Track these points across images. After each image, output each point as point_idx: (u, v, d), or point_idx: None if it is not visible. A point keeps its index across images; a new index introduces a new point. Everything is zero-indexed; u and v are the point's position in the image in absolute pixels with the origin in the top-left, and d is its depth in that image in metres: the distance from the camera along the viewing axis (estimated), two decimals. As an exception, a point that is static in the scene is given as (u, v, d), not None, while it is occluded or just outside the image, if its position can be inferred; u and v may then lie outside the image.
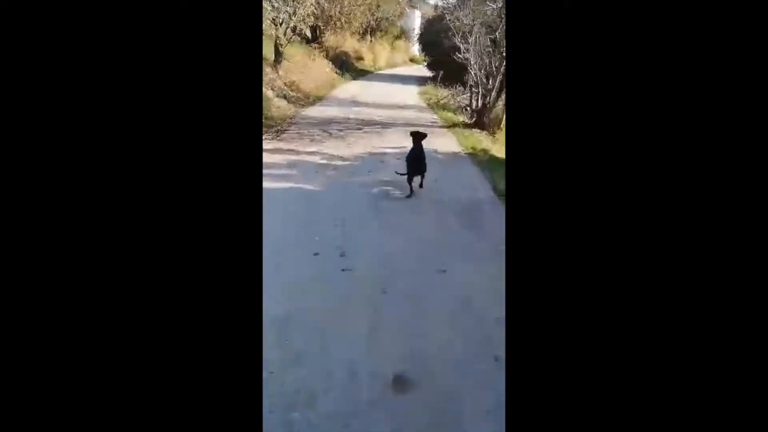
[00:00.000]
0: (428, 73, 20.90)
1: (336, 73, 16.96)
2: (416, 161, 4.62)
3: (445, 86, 14.71)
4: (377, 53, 24.36)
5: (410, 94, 14.90)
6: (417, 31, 35.16)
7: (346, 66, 18.63)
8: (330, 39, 17.93)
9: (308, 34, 18.32)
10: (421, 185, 4.79)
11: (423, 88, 16.22)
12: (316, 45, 17.00)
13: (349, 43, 21.03)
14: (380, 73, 21.70)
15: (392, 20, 28.10)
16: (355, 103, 11.50)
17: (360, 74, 19.21)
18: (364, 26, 21.20)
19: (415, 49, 35.18)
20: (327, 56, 17.69)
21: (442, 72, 16.10)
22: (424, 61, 21.03)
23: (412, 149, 4.67)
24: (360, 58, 21.96)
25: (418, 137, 4.68)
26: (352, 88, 14.92)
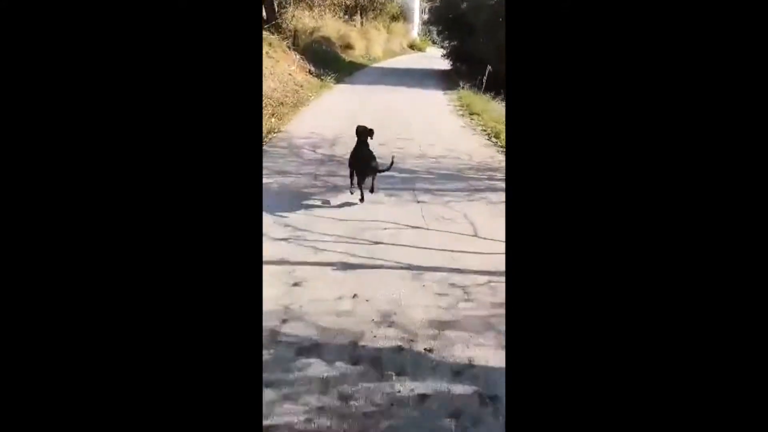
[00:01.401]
0: (445, 65, 14.46)
1: (310, 73, 10.31)
2: (361, 160, 3.87)
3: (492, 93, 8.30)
4: (372, 39, 17.55)
5: (446, 113, 8.28)
6: (417, 10, 28.75)
7: (329, 59, 11.93)
8: (296, 18, 11.13)
9: (263, 12, 11.57)
10: (372, 189, 3.92)
11: (455, 94, 9.66)
12: (273, 29, 10.23)
13: (332, 26, 14.35)
14: (379, 67, 15.06)
15: (388, -5, 21.33)
16: (334, 162, 4.91)
17: (349, 70, 12.51)
18: (352, -2, 14.43)
19: (414, 32, 28.70)
20: (295, 46, 11.01)
21: (489, 69, 9.55)
22: (443, 48, 14.26)
23: (356, 149, 3.94)
24: (348, 47, 15.22)
25: (363, 135, 3.93)
26: (336, 106, 8.28)
